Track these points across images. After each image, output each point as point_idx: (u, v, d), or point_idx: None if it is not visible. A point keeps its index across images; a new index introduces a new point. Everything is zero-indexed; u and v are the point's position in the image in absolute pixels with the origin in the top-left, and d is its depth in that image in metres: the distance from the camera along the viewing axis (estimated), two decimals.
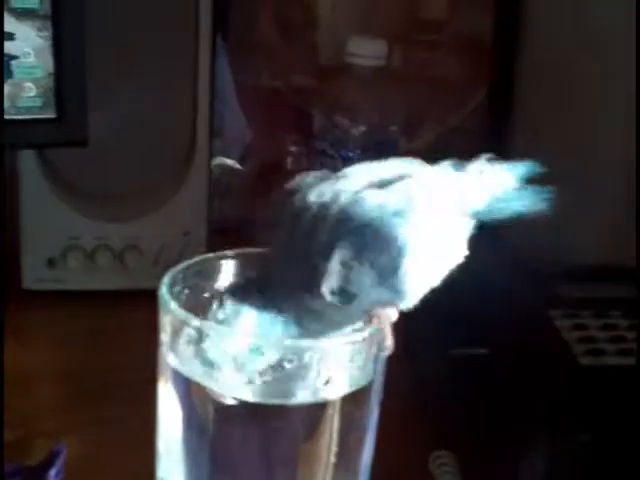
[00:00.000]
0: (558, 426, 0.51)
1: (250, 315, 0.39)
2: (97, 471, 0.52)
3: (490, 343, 0.59)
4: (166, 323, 0.40)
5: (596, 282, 0.63)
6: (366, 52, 0.79)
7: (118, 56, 0.67)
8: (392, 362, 0.41)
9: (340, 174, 0.39)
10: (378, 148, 0.79)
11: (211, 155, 0.75)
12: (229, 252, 0.44)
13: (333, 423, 0.40)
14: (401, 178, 0.39)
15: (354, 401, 0.40)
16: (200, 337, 0.38)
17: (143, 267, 0.72)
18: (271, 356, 0.38)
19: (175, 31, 0.69)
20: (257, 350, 0.37)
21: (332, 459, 0.40)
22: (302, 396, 0.39)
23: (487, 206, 0.39)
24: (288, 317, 0.39)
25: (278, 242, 0.39)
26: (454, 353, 0.60)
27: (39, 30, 0.55)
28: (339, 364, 0.39)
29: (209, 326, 0.38)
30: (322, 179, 0.39)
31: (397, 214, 0.37)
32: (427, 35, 0.90)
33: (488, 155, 0.40)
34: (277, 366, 0.38)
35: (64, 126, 0.58)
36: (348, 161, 0.77)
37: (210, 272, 0.43)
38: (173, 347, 0.40)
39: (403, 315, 0.40)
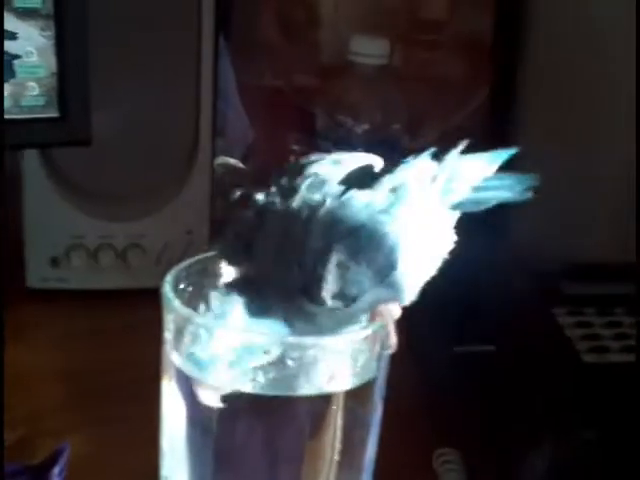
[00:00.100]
0: (562, 423, 0.51)
1: (239, 313, 0.39)
2: (100, 470, 0.52)
3: (494, 341, 0.59)
4: (169, 321, 0.40)
5: (600, 279, 0.63)
6: (369, 51, 0.78)
7: (121, 56, 0.67)
8: (396, 360, 0.41)
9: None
10: (381, 147, 0.79)
11: (214, 154, 0.75)
12: None
13: (337, 420, 0.40)
14: (381, 174, 0.39)
15: (357, 398, 0.40)
16: (198, 334, 0.38)
17: (146, 266, 0.72)
18: (272, 353, 0.38)
19: (178, 31, 0.69)
20: (260, 348, 0.37)
21: (336, 456, 0.40)
22: (305, 392, 0.39)
23: (469, 196, 0.40)
24: (278, 317, 0.39)
25: (265, 242, 0.39)
26: (458, 351, 0.60)
27: (42, 29, 0.55)
28: (342, 362, 0.39)
29: (204, 323, 0.38)
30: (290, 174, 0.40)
31: (384, 212, 0.38)
32: (430, 34, 0.90)
33: (464, 144, 0.41)
34: (279, 363, 0.38)
35: (67, 125, 0.58)
36: None
37: (213, 270, 0.43)
38: (176, 345, 0.40)
39: (407, 313, 0.40)
